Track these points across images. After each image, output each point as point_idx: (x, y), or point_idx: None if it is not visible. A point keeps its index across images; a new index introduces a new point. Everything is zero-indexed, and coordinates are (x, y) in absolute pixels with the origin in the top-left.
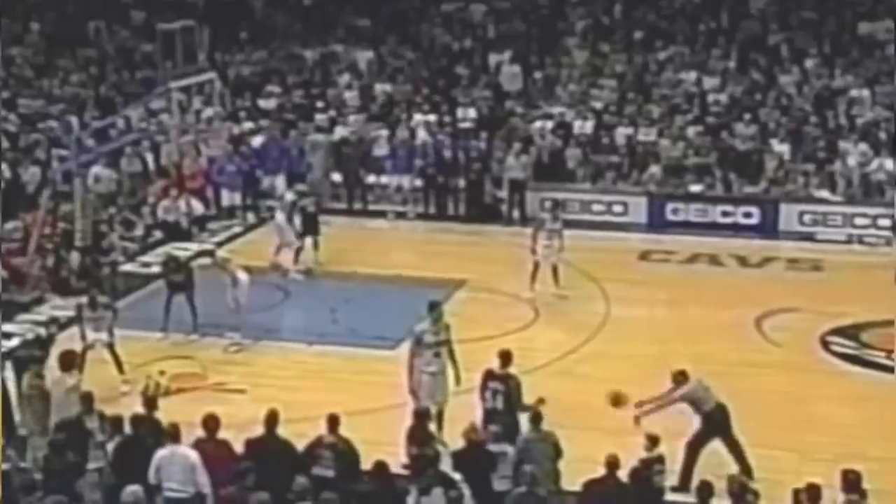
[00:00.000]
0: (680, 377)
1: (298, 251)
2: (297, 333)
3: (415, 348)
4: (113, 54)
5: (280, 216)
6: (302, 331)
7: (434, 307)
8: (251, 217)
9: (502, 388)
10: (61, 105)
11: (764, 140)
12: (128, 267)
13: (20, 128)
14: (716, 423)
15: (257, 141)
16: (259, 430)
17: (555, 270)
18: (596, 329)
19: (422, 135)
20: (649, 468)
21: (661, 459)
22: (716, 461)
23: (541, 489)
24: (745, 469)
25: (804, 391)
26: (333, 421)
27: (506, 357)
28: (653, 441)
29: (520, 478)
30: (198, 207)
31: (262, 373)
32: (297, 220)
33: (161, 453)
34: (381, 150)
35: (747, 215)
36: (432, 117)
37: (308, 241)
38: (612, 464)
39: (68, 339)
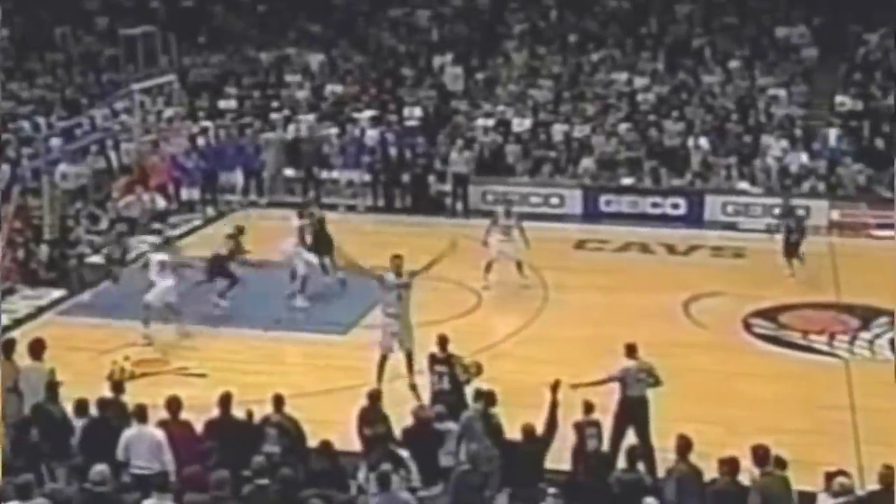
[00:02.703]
0: (629, 352)
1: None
2: (253, 320)
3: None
4: (78, 58)
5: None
6: (258, 317)
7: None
8: (210, 211)
9: (446, 369)
10: (30, 106)
11: (689, 136)
12: (94, 259)
13: None
14: (629, 411)
15: (215, 139)
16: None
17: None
18: (535, 314)
19: (370, 133)
20: (581, 430)
21: (594, 423)
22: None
23: (483, 466)
24: (650, 468)
25: (728, 369)
26: (279, 401)
27: (443, 341)
28: (587, 407)
29: (463, 455)
30: (160, 202)
31: (220, 357)
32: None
33: (129, 433)
34: (331, 147)
35: (675, 206)
36: (378, 115)
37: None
38: (529, 431)
39: (39, 328)
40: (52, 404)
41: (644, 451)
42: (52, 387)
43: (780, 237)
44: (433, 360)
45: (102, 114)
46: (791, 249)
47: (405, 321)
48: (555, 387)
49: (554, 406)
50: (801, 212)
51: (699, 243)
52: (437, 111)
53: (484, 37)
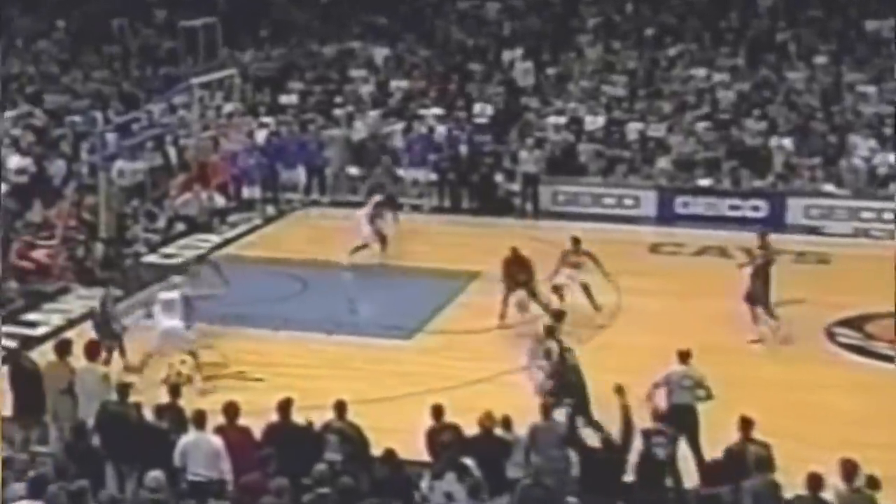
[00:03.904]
0: (682, 357)
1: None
2: (315, 323)
3: None
4: (136, 51)
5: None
6: (320, 321)
7: None
8: (270, 210)
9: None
10: (86, 100)
11: (771, 135)
12: (150, 258)
13: (46, 122)
14: (675, 420)
15: (276, 136)
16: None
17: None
18: (607, 319)
19: (437, 130)
20: (649, 439)
21: (663, 432)
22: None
23: (547, 479)
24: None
25: (811, 380)
26: (340, 407)
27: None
28: (657, 414)
29: (527, 468)
30: (219, 201)
31: (280, 362)
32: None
33: (186, 439)
34: (397, 144)
35: (755, 209)
36: (445, 112)
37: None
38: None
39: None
40: (124, 406)
41: (697, 462)
42: (124, 388)
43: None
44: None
45: (160, 109)
46: None
47: None
48: (620, 390)
49: (625, 410)
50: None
51: (780, 248)
52: (506, 108)
53: (556, 30)
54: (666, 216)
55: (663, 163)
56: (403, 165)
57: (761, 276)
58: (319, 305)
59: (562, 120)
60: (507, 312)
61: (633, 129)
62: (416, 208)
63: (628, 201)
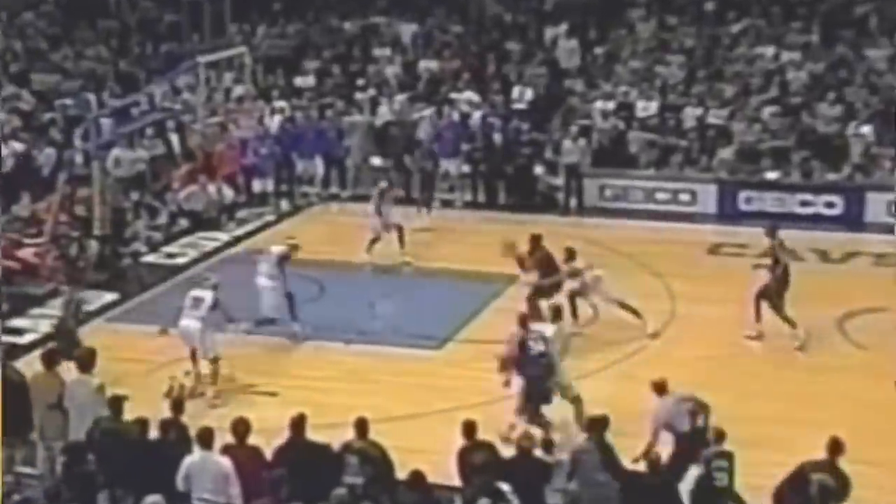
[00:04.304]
0: (659, 390)
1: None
2: (333, 331)
3: None
4: (135, 26)
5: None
6: (339, 328)
7: None
8: (284, 204)
9: None
10: (78, 81)
11: (848, 122)
12: (151, 258)
13: (34, 106)
14: (693, 447)
15: (291, 122)
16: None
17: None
18: (660, 329)
19: (471, 116)
20: (709, 464)
21: (725, 455)
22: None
23: None
24: None
25: (892, 399)
26: (362, 425)
27: None
28: (719, 435)
29: (568, 495)
30: (228, 194)
31: (295, 374)
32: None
33: (191, 460)
34: (425, 132)
35: (829, 205)
36: (480, 96)
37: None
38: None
39: (87, 336)
40: (118, 422)
41: None
42: (117, 402)
43: None
44: None
45: (162, 91)
46: None
47: None
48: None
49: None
50: None
51: (858, 249)
52: (548, 92)
53: (604, 5)
54: (727, 213)
55: (725, 153)
56: (432, 155)
57: (774, 276)
58: (338, 311)
59: (610, 105)
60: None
61: (690, 115)
62: (446, 203)
63: (684, 197)
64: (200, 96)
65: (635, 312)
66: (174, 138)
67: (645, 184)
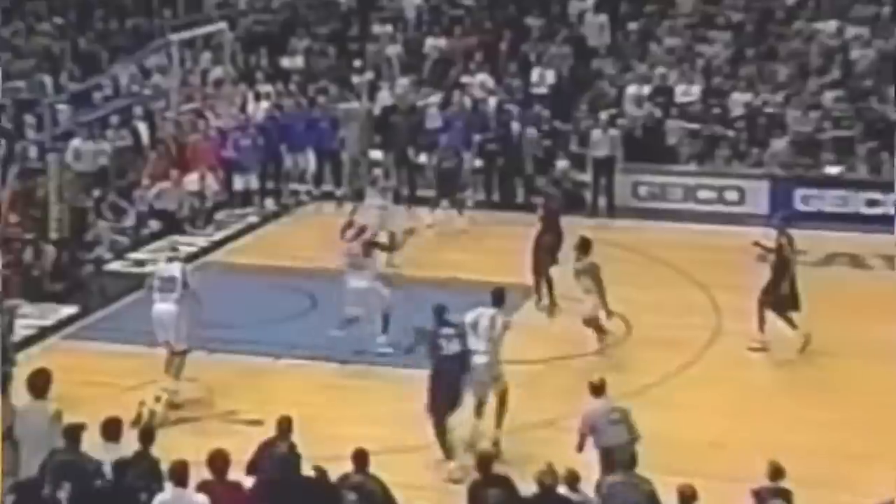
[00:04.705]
0: (596, 391)
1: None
2: (326, 350)
3: None
4: None
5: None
6: (332, 346)
7: None
8: (270, 204)
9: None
10: (31, 61)
11: None
12: (116, 265)
13: None
14: (611, 466)
15: (278, 110)
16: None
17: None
18: (703, 347)
19: (485, 102)
20: (764, 502)
21: (783, 493)
22: None
23: None
24: None
25: None
26: (360, 457)
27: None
28: (775, 471)
29: None
30: (213, 186)
31: (282, 398)
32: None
33: (162, 498)
34: (432, 121)
35: None
36: (495, 79)
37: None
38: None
39: (42, 355)
40: (76, 454)
41: None
42: (74, 432)
43: None
44: None
45: (128, 73)
46: None
47: None
48: None
49: None
50: None
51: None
52: (573, 74)
53: None
54: (781, 214)
55: (778, 145)
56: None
57: (779, 276)
58: (331, 327)
59: (645, 90)
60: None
61: (737, 100)
62: (455, 203)
63: (731, 195)
64: (173, 79)
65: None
66: (142, 128)
67: (685, 180)
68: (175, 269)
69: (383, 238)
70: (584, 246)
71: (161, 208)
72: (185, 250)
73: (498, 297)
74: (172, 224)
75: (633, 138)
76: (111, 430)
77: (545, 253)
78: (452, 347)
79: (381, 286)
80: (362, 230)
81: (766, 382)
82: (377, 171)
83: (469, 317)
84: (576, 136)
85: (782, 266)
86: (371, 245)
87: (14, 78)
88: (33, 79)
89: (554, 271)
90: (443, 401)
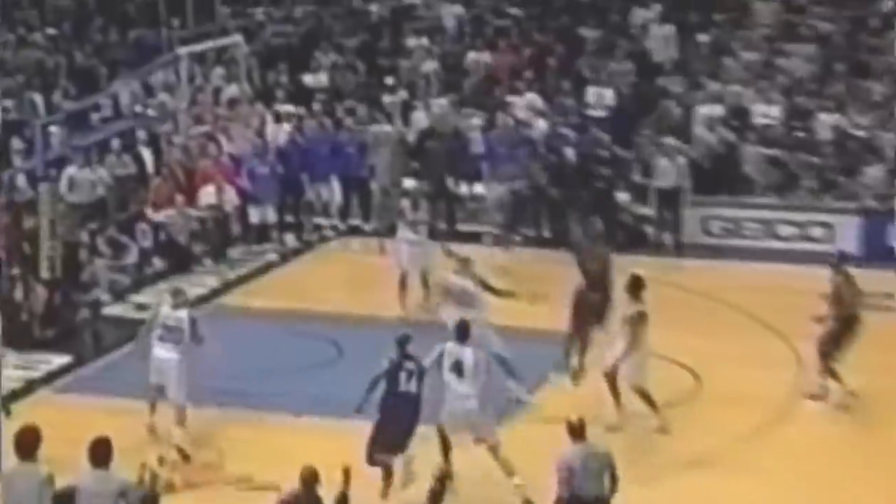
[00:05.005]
0: (574, 432)
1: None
2: (353, 406)
3: None
4: (96, 5)
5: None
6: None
7: None
8: (290, 240)
9: None
10: (20, 77)
11: None
12: (115, 309)
13: None
14: None
15: (299, 133)
16: None
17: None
18: (783, 405)
19: (535, 125)
20: None
21: None
22: None
23: None
24: None
25: None
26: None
27: None
28: None
29: None
30: (233, 199)
31: (303, 460)
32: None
33: None
34: (474, 147)
35: None
36: (545, 99)
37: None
38: None
39: (31, 410)
40: None
41: None
42: (67, 498)
43: None
44: None
45: (131, 91)
46: None
47: None
48: None
49: None
50: None
51: None
52: (635, 93)
53: None
54: (875, 254)
55: (873, 173)
56: (484, 177)
57: (837, 322)
58: (360, 380)
59: (717, 110)
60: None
61: (824, 123)
62: (500, 240)
63: (817, 231)
64: (181, 99)
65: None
66: (146, 154)
67: (764, 214)
68: (182, 317)
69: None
70: (636, 286)
71: (167, 239)
72: (194, 292)
73: (464, 331)
74: (180, 260)
75: (704, 167)
76: (26, 445)
77: (589, 313)
78: (410, 387)
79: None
80: (466, 263)
81: (855, 446)
82: (405, 203)
83: (432, 356)
84: (638, 164)
85: (838, 310)
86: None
87: (1, 96)
88: (23, 97)
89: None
90: (388, 441)
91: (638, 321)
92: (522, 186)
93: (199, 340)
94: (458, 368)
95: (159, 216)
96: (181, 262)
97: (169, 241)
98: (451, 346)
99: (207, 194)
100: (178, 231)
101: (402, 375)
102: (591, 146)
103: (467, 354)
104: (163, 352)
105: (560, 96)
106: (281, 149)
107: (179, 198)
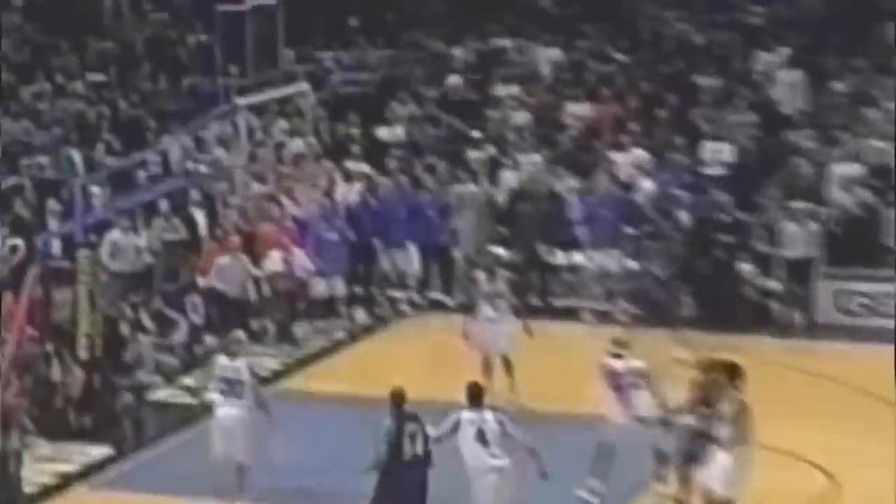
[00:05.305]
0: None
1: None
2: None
3: None
4: (143, 48)
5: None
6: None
7: None
8: (362, 316)
9: None
10: (56, 129)
11: None
12: (162, 394)
13: None
14: None
15: (373, 194)
16: None
17: None
18: None
19: (641, 186)
20: None
21: None
22: None
23: None
24: None
25: None
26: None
27: None
28: None
29: None
30: (305, 264)
31: None
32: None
33: None
34: (572, 210)
35: None
36: (654, 155)
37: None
38: None
39: None
40: None
41: None
42: None
43: None
44: None
45: (182, 146)
46: None
47: None
48: None
49: None
50: None
51: None
52: (759, 149)
53: (845, 16)
54: None
55: None
56: (583, 245)
57: None
58: (440, 476)
59: (855, 169)
60: None
61: None
62: (603, 316)
63: None
64: (239, 155)
65: None
66: (199, 216)
67: None
68: (241, 368)
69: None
70: (733, 374)
71: (220, 292)
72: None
73: (478, 394)
74: (236, 319)
75: (839, 234)
76: None
77: None
78: (416, 449)
79: None
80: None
81: None
82: (480, 275)
83: (445, 425)
84: (762, 231)
85: None
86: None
87: (35, 152)
88: (60, 153)
89: None
90: None
91: (744, 412)
92: (626, 256)
93: (262, 403)
94: (481, 437)
95: (210, 276)
96: (236, 319)
97: (222, 307)
98: (467, 415)
99: (273, 260)
100: (233, 281)
101: (406, 441)
102: (708, 209)
103: (488, 419)
104: (225, 409)
105: (671, 152)
106: (351, 211)
107: (234, 241)
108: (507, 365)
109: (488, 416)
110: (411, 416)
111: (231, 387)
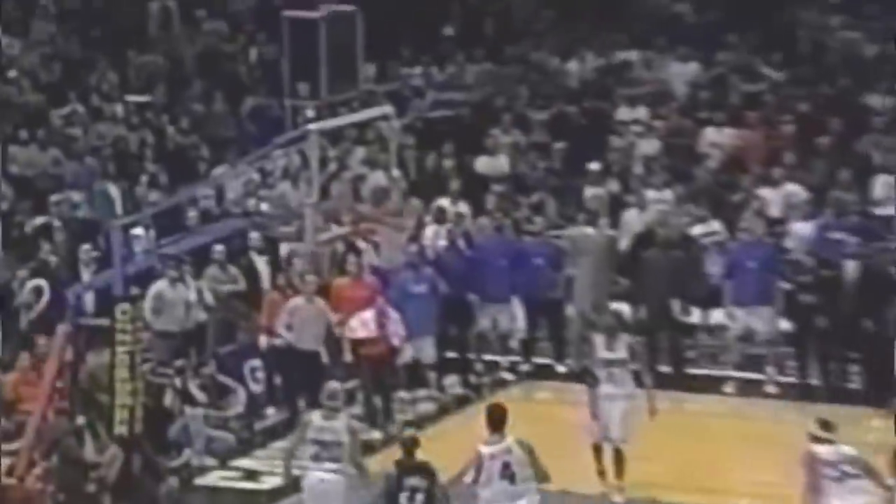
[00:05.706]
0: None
1: None
2: None
3: None
4: (195, 64)
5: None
6: None
7: None
8: (454, 384)
9: None
10: (90, 160)
11: None
12: (214, 477)
13: (12, 202)
14: None
15: (468, 238)
16: None
17: None
18: None
19: (796, 230)
20: None
21: None
22: None
23: None
24: None
25: None
26: None
27: None
28: None
29: None
30: (399, 330)
31: None
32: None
33: None
34: (711, 259)
35: None
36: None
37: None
38: None
39: None
40: None
41: None
42: None
43: None
44: None
45: (242, 180)
46: None
47: None
48: None
49: None
50: None
51: None
52: None
53: None
54: None
55: None
56: (727, 299)
57: None
58: None
59: None
60: None
61: None
62: (750, 386)
63: None
64: (310, 191)
65: None
66: (261, 264)
67: None
68: (339, 427)
69: None
70: None
71: (287, 352)
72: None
73: (499, 418)
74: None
75: None
76: None
77: None
78: None
79: None
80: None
81: None
82: (598, 337)
83: (468, 466)
84: None
85: None
86: None
87: (66, 188)
88: (95, 188)
89: None
90: None
91: None
92: (778, 314)
93: (361, 466)
94: (507, 474)
95: (278, 327)
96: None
97: (290, 367)
98: (487, 450)
99: (364, 323)
100: (308, 334)
101: (403, 497)
102: (880, 258)
103: (514, 450)
104: (321, 474)
105: (835, 188)
106: (443, 259)
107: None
108: (619, 458)
109: (513, 446)
110: (417, 468)
111: (327, 449)
